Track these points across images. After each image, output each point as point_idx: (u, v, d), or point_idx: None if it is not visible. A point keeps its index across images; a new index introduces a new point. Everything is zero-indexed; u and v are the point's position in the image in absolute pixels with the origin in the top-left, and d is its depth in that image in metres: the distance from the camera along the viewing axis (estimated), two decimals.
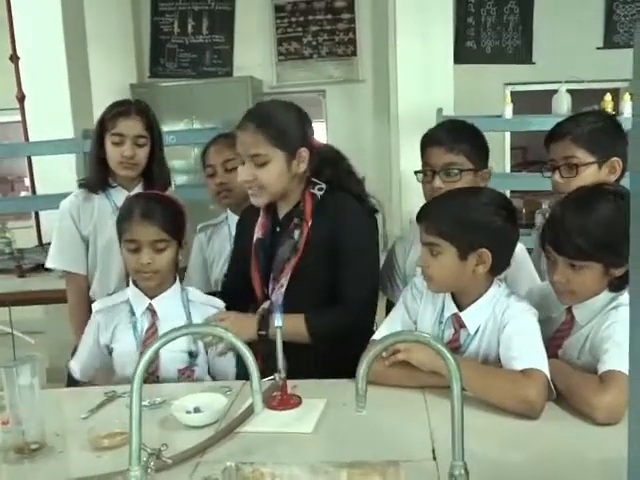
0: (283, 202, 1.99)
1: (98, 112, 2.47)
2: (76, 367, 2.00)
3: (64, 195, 2.53)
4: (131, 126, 2.35)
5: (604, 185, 1.71)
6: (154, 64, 6.31)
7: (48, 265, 2.52)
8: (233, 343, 1.14)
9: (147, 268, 1.89)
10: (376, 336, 1.79)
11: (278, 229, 2.00)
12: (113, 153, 2.35)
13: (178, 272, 2.04)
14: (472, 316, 1.69)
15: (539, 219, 4.34)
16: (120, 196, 2.39)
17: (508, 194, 5.59)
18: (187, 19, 6.24)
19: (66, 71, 4.61)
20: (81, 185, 2.46)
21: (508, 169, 6.13)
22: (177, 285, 2.00)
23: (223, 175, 2.42)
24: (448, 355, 1.05)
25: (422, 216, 1.71)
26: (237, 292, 2.07)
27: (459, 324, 1.71)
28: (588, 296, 1.63)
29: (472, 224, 1.62)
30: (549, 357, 1.65)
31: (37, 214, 4.39)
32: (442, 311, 1.74)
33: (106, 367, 1.98)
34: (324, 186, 1.97)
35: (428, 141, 2.07)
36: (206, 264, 2.52)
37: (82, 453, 1.43)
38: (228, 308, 1.98)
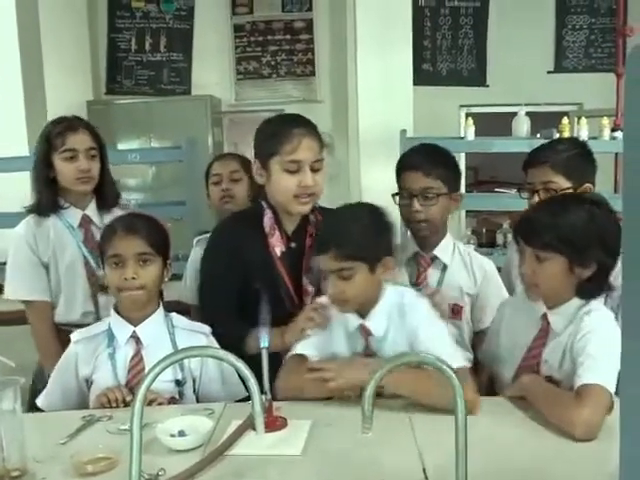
0: (289, 218, 2.05)
1: None
2: (44, 404, 1.88)
3: (17, 214, 2.43)
4: (81, 140, 2.29)
5: (583, 194, 1.82)
6: (111, 81, 6.21)
7: (8, 297, 2.38)
8: (233, 363, 1.13)
9: (132, 284, 1.79)
10: (298, 349, 1.81)
11: (293, 244, 2.04)
12: (67, 169, 2.27)
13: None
14: (375, 321, 1.77)
15: (500, 239, 4.47)
16: (74, 215, 2.34)
17: (464, 215, 5.70)
18: (145, 36, 6.17)
19: (21, 88, 4.53)
20: (29, 211, 2.34)
21: (464, 189, 6.23)
22: (161, 310, 1.90)
23: (228, 183, 2.61)
24: (456, 383, 1.05)
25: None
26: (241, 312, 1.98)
27: (366, 332, 1.78)
28: (553, 293, 1.71)
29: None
30: (529, 366, 1.73)
31: None
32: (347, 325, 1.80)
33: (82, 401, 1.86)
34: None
35: (405, 165, 2.12)
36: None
37: (65, 479, 1.39)
38: (214, 333, 1.91)
